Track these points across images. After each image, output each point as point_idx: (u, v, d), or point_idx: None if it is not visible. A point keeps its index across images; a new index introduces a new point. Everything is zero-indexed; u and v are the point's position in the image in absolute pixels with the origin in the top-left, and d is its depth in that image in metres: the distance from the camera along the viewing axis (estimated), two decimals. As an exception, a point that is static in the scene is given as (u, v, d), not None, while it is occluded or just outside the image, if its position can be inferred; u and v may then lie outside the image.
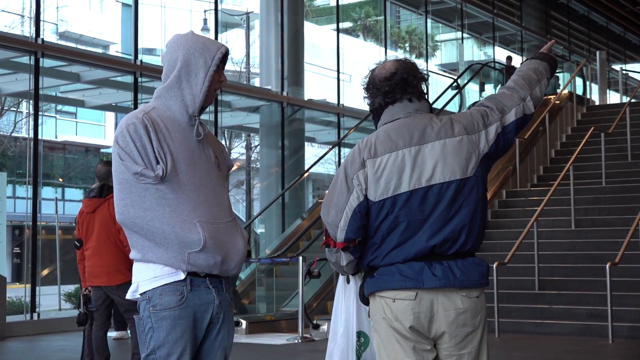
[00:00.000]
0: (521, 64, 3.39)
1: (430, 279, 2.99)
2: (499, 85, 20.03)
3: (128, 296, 3.11)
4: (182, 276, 2.99)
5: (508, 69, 19.09)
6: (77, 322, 6.86)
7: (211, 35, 15.59)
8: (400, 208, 3.00)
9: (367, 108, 3.29)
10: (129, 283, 3.91)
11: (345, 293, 3.46)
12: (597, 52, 22.50)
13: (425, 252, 3.00)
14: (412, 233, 3.00)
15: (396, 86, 3.12)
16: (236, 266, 3.10)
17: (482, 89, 19.93)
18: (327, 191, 3.14)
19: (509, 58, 20.05)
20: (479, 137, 3.08)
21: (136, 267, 3.08)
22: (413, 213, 3.00)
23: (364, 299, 3.18)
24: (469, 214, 3.03)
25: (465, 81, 18.15)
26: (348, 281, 3.45)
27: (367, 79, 3.20)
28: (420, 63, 20.46)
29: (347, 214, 3.02)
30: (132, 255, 3.08)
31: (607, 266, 8.64)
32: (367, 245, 3.08)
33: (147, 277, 3.02)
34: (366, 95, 3.21)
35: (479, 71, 19.03)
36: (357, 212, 3.02)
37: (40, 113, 11.92)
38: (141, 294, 3.04)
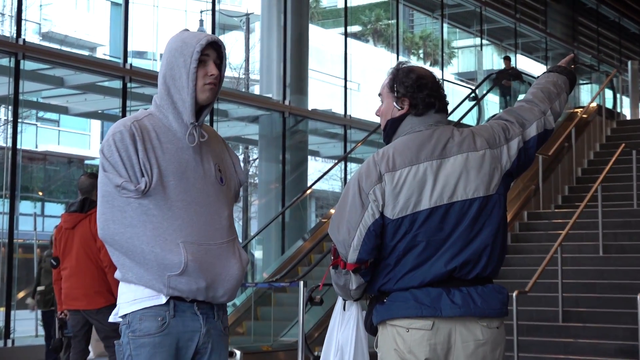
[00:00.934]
0: (538, 77, 3.41)
1: (449, 306, 2.97)
2: (519, 96, 20.02)
3: (111, 319, 3.10)
4: (163, 300, 2.96)
5: (504, 73, 18.76)
6: (52, 349, 6.84)
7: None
8: (419, 227, 2.98)
9: (376, 119, 3.29)
10: (111, 307, 3.90)
11: (343, 321, 3.42)
12: (629, 62, 22.48)
13: (443, 277, 2.98)
14: (430, 254, 2.99)
15: (432, 95, 3.13)
16: (226, 293, 3.05)
17: (502, 101, 19.91)
18: (335, 206, 3.10)
19: (507, 58, 19.60)
20: (501, 152, 3.09)
21: (119, 288, 3.07)
22: (432, 232, 2.98)
23: (371, 328, 3.15)
24: (491, 234, 3.03)
25: (484, 92, 18.15)
26: (344, 307, 3.41)
27: (412, 75, 3.15)
28: (435, 71, 20.49)
29: (361, 233, 2.98)
30: (115, 273, 3.07)
31: (638, 297, 8.59)
32: (380, 267, 3.05)
33: (128, 299, 3.00)
34: (402, 96, 3.14)
35: (500, 81, 19.03)
36: (371, 230, 2.98)
37: (19, 120, 11.95)
38: (122, 317, 3.02)
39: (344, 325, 3.40)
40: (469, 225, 3.00)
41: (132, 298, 2.99)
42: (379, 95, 3.25)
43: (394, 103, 3.14)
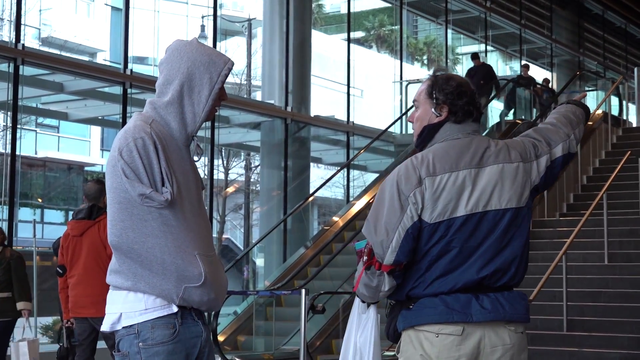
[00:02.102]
0: (556, 106, 3.54)
1: (480, 311, 3.05)
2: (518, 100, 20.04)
3: (105, 328, 3.09)
4: (175, 309, 3.01)
5: (524, 80, 19.01)
6: (58, 358, 6.86)
7: (209, 44, 15.66)
8: (455, 232, 3.05)
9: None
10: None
11: (361, 324, 3.45)
12: (635, 69, 22.48)
13: (473, 284, 3.06)
14: (462, 261, 3.06)
15: (470, 103, 3.21)
16: (222, 303, 3.18)
17: (508, 108, 19.94)
18: (372, 208, 3.14)
19: (526, 66, 19.98)
20: (532, 167, 3.21)
21: (118, 296, 3.06)
22: (466, 239, 3.06)
23: (394, 334, 3.19)
24: (520, 246, 3.15)
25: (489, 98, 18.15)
26: (368, 307, 3.43)
27: (452, 82, 3.21)
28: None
29: (400, 235, 3.03)
30: (115, 281, 3.05)
31: (644, 306, 8.61)
32: (412, 270, 3.10)
33: (136, 308, 3.01)
34: (442, 103, 3.20)
35: (504, 87, 19.05)
36: (410, 233, 3.04)
37: (18, 126, 11.96)
38: (125, 327, 3.02)
39: (362, 328, 3.43)
40: (500, 235, 3.09)
41: (143, 307, 3.00)
42: (414, 101, 3.31)
43: (432, 109, 3.20)
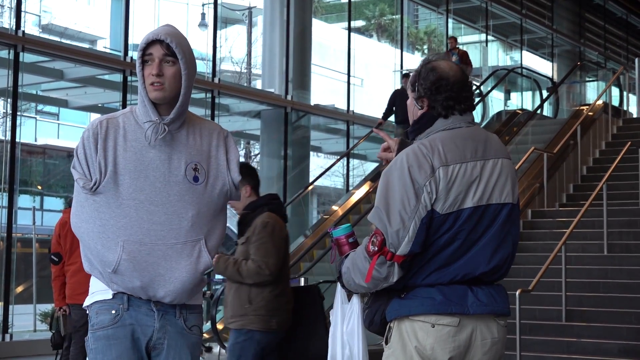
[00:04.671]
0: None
1: (476, 304, 3.03)
2: (523, 92, 20.03)
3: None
4: (111, 295, 3.08)
5: (399, 94, 14.80)
6: (52, 345, 6.85)
7: (209, 32, 15.64)
8: (462, 224, 3.01)
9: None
10: None
11: (346, 315, 3.39)
12: (636, 59, 22.45)
13: (473, 276, 3.03)
14: (463, 253, 3.02)
15: (451, 98, 3.12)
16: (168, 294, 3.07)
17: (507, 97, 19.93)
18: (378, 197, 3.02)
19: (407, 76, 15.60)
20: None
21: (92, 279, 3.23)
22: (470, 231, 3.03)
23: (379, 325, 3.13)
24: (512, 244, 3.14)
25: (489, 88, 18.16)
26: (350, 297, 3.38)
27: (431, 75, 3.12)
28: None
29: (416, 224, 2.95)
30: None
31: (643, 296, 8.61)
32: (414, 260, 3.03)
33: (90, 291, 3.17)
34: (421, 96, 3.15)
35: (504, 77, 19.04)
36: (424, 223, 2.97)
37: (18, 113, 11.95)
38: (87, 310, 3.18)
39: (347, 319, 3.37)
40: (498, 229, 3.07)
41: (92, 291, 3.16)
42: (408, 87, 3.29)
43: (415, 102, 3.17)
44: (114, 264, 3.00)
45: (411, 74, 3.25)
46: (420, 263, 3.02)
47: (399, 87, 16.92)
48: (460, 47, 18.09)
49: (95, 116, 21.15)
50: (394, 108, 14.55)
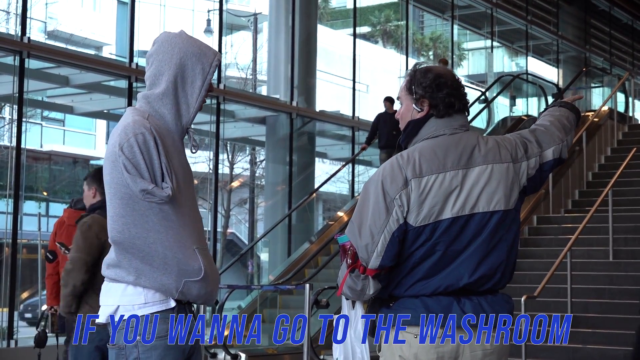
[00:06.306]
0: (548, 108, 3.43)
1: (460, 316, 2.99)
2: (527, 98, 20.01)
3: (101, 319, 3.10)
4: (173, 304, 3.03)
5: (382, 118, 14.74)
6: (35, 342, 6.85)
7: (215, 38, 15.67)
8: (440, 236, 2.97)
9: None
10: None
11: (353, 320, 3.40)
12: (642, 66, 22.49)
13: (456, 288, 2.99)
14: (445, 264, 2.98)
15: (452, 94, 3.10)
16: (216, 296, 3.19)
17: (513, 104, 19.91)
18: (355, 209, 3.04)
19: (389, 100, 14.92)
20: (521, 168, 3.11)
21: (116, 289, 3.05)
22: (451, 242, 2.98)
23: (374, 330, 3.15)
24: (507, 250, 3.06)
25: (495, 94, 18.15)
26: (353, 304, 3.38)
27: (429, 75, 3.11)
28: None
29: (385, 238, 2.94)
30: (115, 274, 3.04)
31: (649, 303, 8.59)
32: (394, 272, 3.02)
33: (135, 302, 3.02)
34: (421, 97, 3.12)
35: (510, 83, 19.03)
36: (395, 236, 2.95)
37: (24, 119, 11.96)
38: (122, 320, 3.04)
39: (354, 324, 3.38)
40: (487, 238, 3.00)
41: (142, 301, 3.01)
42: (398, 98, 3.23)
43: (414, 105, 3.12)
44: (202, 272, 3.00)
45: (404, 80, 3.21)
46: (401, 275, 3.01)
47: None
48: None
49: (101, 122, 21.23)
50: (377, 132, 14.59)
